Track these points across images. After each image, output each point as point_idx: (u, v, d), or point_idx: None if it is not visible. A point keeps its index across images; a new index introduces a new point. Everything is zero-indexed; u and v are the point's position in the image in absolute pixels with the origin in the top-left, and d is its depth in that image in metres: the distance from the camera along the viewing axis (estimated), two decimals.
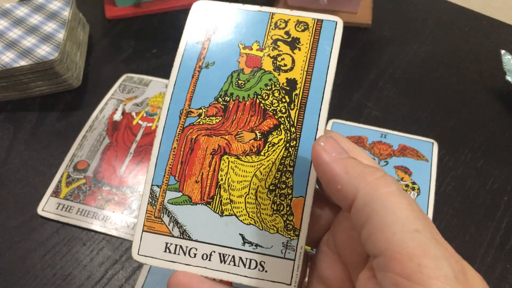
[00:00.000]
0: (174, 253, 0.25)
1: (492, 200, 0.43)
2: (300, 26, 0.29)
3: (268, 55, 0.28)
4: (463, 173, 0.45)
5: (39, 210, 0.42)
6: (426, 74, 0.54)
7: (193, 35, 0.29)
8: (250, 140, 0.26)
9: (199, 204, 0.26)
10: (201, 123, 0.27)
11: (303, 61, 0.27)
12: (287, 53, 0.28)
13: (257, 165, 0.26)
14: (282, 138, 0.26)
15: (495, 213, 0.42)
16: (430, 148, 0.46)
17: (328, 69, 0.26)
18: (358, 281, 0.19)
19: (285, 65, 0.28)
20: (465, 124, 0.49)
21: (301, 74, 0.27)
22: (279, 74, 0.27)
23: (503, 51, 0.52)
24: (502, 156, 0.46)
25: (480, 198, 0.43)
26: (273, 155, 0.26)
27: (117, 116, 0.48)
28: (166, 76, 0.53)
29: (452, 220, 0.42)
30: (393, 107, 0.51)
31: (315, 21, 0.28)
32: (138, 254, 0.26)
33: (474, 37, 0.59)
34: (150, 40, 0.59)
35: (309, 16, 0.29)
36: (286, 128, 0.26)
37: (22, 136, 0.48)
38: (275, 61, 0.28)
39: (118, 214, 0.41)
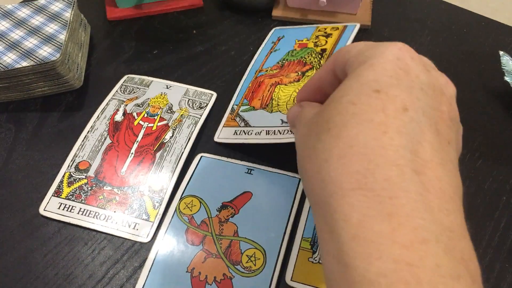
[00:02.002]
0: (239, 134, 0.43)
1: (491, 200, 0.43)
2: (333, 29, 0.50)
3: (312, 41, 0.50)
4: (462, 173, 0.44)
5: (41, 210, 0.42)
6: None
7: (270, 38, 0.55)
8: (294, 76, 0.46)
9: (259, 109, 0.44)
10: (266, 73, 0.48)
11: (332, 43, 0.48)
12: (324, 38, 0.49)
13: (296, 87, 0.44)
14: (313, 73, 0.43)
15: (493, 213, 0.42)
16: None
17: (347, 42, 0.46)
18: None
19: (321, 44, 0.48)
20: (464, 125, 0.49)
21: (330, 47, 0.47)
22: (316, 47, 0.48)
23: (501, 52, 0.53)
24: (501, 156, 0.47)
25: (479, 198, 0.43)
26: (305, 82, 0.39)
27: (118, 117, 0.49)
28: (167, 77, 0.53)
29: None
30: None
31: (343, 26, 0.50)
32: (218, 138, 0.45)
33: (473, 38, 0.59)
34: (151, 41, 0.59)
35: (340, 24, 0.51)
36: (316, 68, 0.45)
37: (23, 136, 0.49)
38: (315, 42, 0.49)
39: (120, 213, 0.41)
